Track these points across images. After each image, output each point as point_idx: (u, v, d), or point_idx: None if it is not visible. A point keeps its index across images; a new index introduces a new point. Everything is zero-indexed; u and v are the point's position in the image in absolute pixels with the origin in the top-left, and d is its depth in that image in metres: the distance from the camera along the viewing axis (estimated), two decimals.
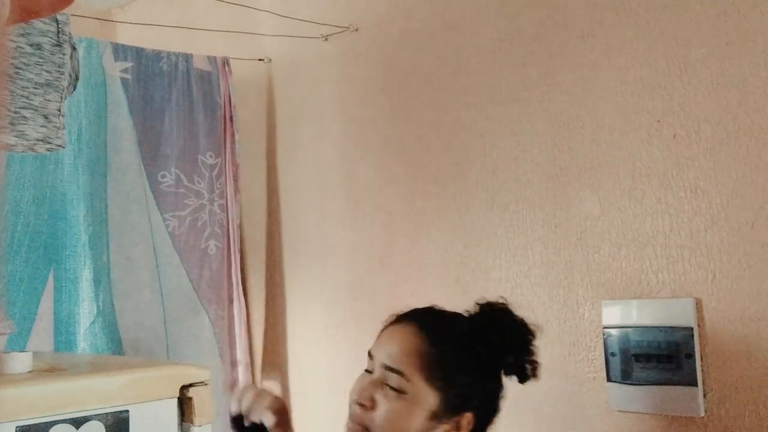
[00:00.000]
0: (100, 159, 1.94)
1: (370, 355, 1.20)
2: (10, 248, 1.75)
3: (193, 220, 2.07)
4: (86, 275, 1.87)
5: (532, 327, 1.19)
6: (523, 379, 1.17)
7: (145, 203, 2.00)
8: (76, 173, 1.88)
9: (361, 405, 1.14)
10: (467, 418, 1.13)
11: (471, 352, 1.16)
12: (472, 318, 1.21)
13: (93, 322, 1.86)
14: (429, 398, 1.12)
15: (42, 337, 1.78)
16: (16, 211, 1.77)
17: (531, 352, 1.18)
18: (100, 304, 1.88)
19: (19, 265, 1.77)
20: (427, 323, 1.18)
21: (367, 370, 1.18)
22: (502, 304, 1.21)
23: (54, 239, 1.84)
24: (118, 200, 1.95)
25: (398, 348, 1.15)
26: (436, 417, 1.12)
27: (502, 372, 1.18)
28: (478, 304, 1.22)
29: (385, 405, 1.12)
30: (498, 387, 1.18)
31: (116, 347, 1.89)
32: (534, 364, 1.17)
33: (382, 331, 1.22)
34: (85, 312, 1.85)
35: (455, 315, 1.22)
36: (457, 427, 1.14)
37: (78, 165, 1.88)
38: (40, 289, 1.80)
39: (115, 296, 1.91)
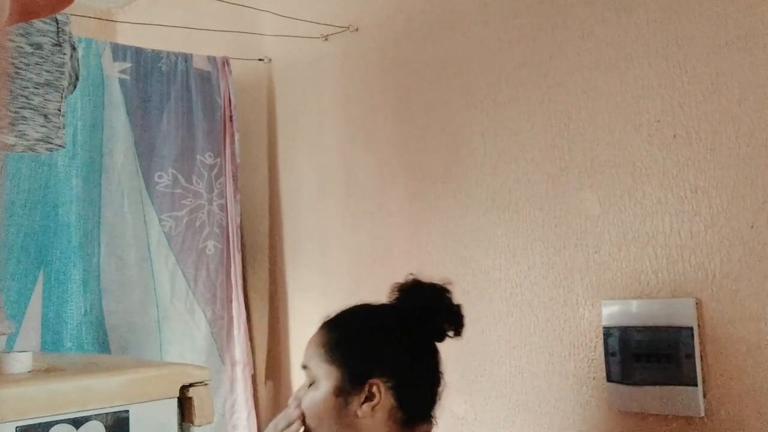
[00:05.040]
0: (95, 160, 1.94)
1: None
2: (2, 249, 1.76)
3: (191, 221, 2.07)
4: (75, 276, 1.87)
5: (441, 285, 1.28)
6: (451, 333, 1.27)
7: (140, 204, 2.00)
8: (70, 175, 1.88)
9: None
10: (376, 385, 1.19)
11: (374, 325, 1.26)
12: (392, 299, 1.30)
13: (80, 323, 1.86)
14: (333, 376, 1.21)
15: (30, 336, 1.78)
16: (9, 212, 1.78)
17: (446, 310, 1.27)
18: (88, 305, 1.88)
19: (10, 266, 1.78)
20: (329, 319, 1.29)
21: None
22: (413, 278, 1.30)
23: (45, 240, 1.84)
24: (112, 202, 1.95)
25: (306, 348, 1.27)
26: (344, 391, 1.20)
27: (428, 338, 1.26)
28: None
29: (304, 401, 1.24)
30: (412, 353, 1.24)
31: (103, 348, 1.89)
32: (453, 319, 1.26)
33: None
34: (73, 313, 1.86)
35: (365, 304, 1.31)
36: (369, 396, 1.19)
37: (72, 167, 1.89)
38: (29, 290, 1.80)
39: (105, 297, 1.91)
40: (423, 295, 1.28)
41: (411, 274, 1.31)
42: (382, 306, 1.28)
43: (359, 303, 1.30)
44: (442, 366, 1.26)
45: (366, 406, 1.19)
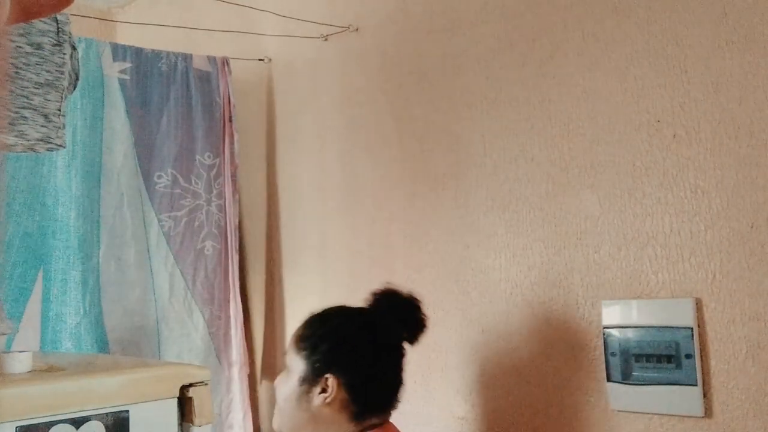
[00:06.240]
0: (94, 160, 1.93)
1: None
2: (1, 248, 1.77)
3: (190, 221, 2.07)
4: (74, 276, 1.87)
5: (414, 297, 1.45)
6: (410, 339, 1.43)
7: (140, 204, 2.00)
8: (69, 175, 1.88)
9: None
10: (330, 380, 1.34)
11: (340, 326, 1.41)
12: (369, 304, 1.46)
13: (78, 323, 1.86)
14: (299, 366, 1.37)
15: (29, 336, 1.78)
16: (8, 212, 1.78)
17: (409, 316, 1.43)
18: (87, 305, 1.88)
19: (9, 265, 1.78)
20: (310, 315, 1.44)
21: None
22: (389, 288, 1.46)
23: (44, 240, 1.84)
24: (111, 201, 1.95)
25: (290, 338, 1.44)
26: (306, 381, 1.36)
27: (391, 343, 1.41)
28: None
29: (277, 382, 1.42)
30: (370, 355, 1.38)
31: (102, 348, 1.89)
32: (413, 326, 1.43)
33: None
34: (72, 312, 1.86)
35: (341, 306, 1.46)
36: (324, 388, 1.34)
37: (72, 166, 1.88)
38: (28, 290, 1.80)
39: (104, 297, 1.91)
40: (395, 303, 1.43)
41: (388, 283, 1.47)
42: (355, 309, 1.43)
43: (338, 304, 1.45)
44: (403, 367, 1.40)
45: (320, 397, 1.34)
